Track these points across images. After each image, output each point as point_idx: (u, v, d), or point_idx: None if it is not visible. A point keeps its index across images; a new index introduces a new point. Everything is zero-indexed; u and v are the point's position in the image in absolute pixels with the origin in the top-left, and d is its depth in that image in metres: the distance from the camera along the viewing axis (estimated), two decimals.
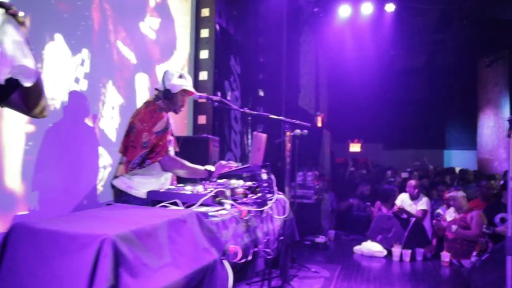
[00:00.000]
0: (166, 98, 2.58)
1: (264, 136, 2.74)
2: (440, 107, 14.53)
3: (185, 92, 2.65)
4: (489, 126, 12.09)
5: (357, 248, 5.70)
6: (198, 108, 5.25)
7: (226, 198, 2.26)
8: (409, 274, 4.96)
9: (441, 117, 14.78)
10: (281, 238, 2.83)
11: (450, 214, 5.50)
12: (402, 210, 5.84)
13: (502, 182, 6.18)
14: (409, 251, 5.35)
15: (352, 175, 10.43)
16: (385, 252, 5.49)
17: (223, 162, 2.73)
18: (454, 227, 5.20)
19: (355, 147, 15.12)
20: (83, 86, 3.27)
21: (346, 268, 4.92)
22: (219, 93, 5.38)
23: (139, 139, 2.44)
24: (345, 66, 11.99)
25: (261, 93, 6.88)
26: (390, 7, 8.25)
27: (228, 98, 5.88)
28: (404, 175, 9.93)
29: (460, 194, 5.37)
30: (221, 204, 2.20)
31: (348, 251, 5.76)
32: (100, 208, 2.03)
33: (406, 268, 5.14)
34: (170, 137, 2.58)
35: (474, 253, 4.98)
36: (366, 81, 12.60)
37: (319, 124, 10.39)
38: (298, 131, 3.88)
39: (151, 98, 2.66)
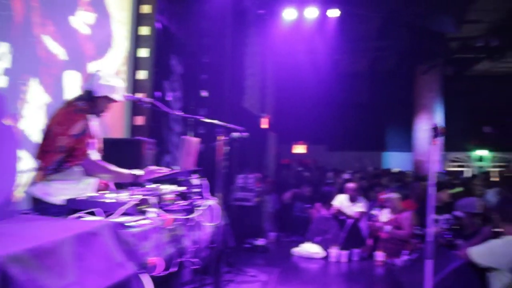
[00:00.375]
0: (89, 99, 2.42)
1: (195, 140, 2.67)
2: (380, 111, 15.19)
3: (108, 98, 2.49)
4: (423, 130, 12.80)
5: (296, 250, 5.76)
6: (135, 109, 5.04)
7: (151, 206, 2.15)
8: (345, 275, 5.09)
9: (382, 120, 15.48)
10: (213, 245, 2.77)
11: (384, 215, 5.71)
12: (339, 211, 5.99)
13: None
14: (346, 252, 5.49)
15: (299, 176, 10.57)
16: (323, 254, 5.59)
17: (153, 167, 2.62)
18: (388, 228, 5.41)
19: (299, 149, 15.38)
20: (1, 82, 3.01)
21: (284, 271, 4.95)
22: (158, 93, 5.23)
23: (55, 143, 2.27)
24: (291, 68, 12.15)
25: (204, 94, 6.77)
26: (333, 13, 8.44)
27: (169, 98, 5.73)
28: (346, 176, 10.24)
29: (394, 195, 5.59)
30: (144, 212, 2.09)
31: (287, 253, 5.80)
32: (1, 221, 1.84)
33: (342, 269, 5.27)
34: (90, 140, 2.42)
35: (406, 252, 5.21)
36: (312, 84, 12.86)
37: (265, 126, 10.44)
38: (236, 134, 3.83)
39: (73, 98, 2.49)
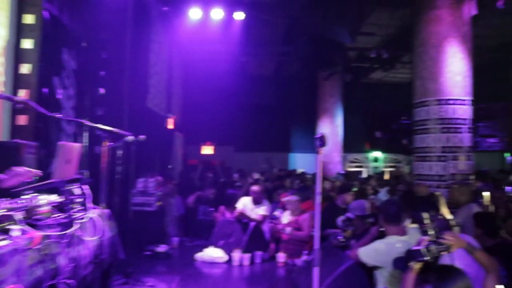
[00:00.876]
0: None
1: (76, 146, 2.40)
2: (286, 113, 15.72)
3: None
4: (326, 132, 13.51)
5: (198, 255, 5.63)
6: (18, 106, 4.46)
7: (15, 222, 1.86)
8: (246, 278, 5.10)
9: (288, 122, 16.00)
10: (98, 260, 2.52)
11: (286, 217, 5.84)
12: (242, 214, 5.98)
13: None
14: (248, 255, 5.49)
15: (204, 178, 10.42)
16: (226, 258, 5.53)
17: (19, 168, 2.26)
18: (288, 229, 5.53)
19: (207, 150, 15.27)
20: None
21: (185, 278, 4.78)
22: (45, 90, 4.71)
23: None
24: (199, 68, 11.99)
25: (102, 92, 6.30)
26: (239, 15, 8.47)
27: (60, 96, 5.21)
28: (256, 176, 10.32)
29: (295, 198, 5.73)
30: (6, 231, 1.80)
31: (191, 259, 5.63)
32: None
33: (244, 272, 5.26)
34: None
35: (305, 252, 5.37)
36: (220, 84, 12.85)
37: (171, 126, 10.13)
38: (130, 138, 3.61)
39: None
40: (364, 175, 14.80)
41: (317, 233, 3.13)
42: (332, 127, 13.63)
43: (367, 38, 10.33)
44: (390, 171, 14.17)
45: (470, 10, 6.38)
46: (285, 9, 8.18)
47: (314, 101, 14.05)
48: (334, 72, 11.80)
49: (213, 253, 5.57)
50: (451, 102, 6.16)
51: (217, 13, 8.40)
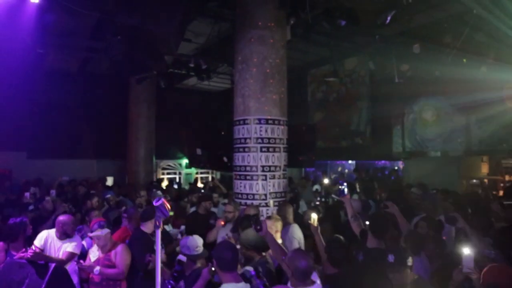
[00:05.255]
0: None
1: None
2: (93, 115, 13.97)
3: None
4: (137, 138, 12.72)
5: None
6: None
7: None
8: None
9: (96, 125, 14.17)
10: None
11: (93, 253, 4.89)
12: (38, 254, 4.72)
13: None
14: None
15: None
16: None
17: None
18: (96, 269, 4.60)
19: None
20: None
21: None
22: None
23: None
24: None
25: None
26: None
27: None
28: (52, 194, 8.55)
29: (105, 232, 4.80)
30: None
31: None
32: None
33: None
34: None
35: None
36: (4, 76, 10.49)
37: None
38: None
39: None
40: (175, 185, 14.18)
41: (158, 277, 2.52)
42: (144, 133, 12.87)
43: (183, 44, 9.93)
44: (207, 182, 13.89)
45: (287, 34, 6.69)
46: (97, 2, 7.04)
47: (126, 104, 13.01)
48: (148, 76, 11.05)
49: None
50: (270, 122, 6.30)
51: None
